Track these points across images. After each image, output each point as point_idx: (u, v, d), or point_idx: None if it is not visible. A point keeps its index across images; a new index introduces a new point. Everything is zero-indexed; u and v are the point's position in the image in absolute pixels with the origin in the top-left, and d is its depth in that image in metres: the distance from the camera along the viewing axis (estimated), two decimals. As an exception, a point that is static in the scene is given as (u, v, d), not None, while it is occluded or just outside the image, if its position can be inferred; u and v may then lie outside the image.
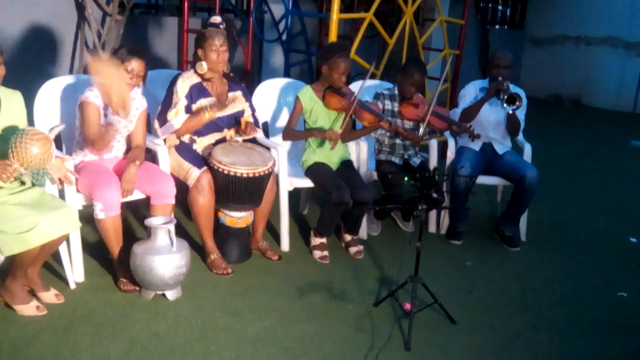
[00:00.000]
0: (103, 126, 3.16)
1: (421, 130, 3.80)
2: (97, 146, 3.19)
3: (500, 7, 11.58)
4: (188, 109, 3.49)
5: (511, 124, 4.14)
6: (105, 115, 3.20)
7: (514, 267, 3.89)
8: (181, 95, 3.48)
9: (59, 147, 3.27)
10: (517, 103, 3.92)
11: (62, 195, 3.06)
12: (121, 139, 3.37)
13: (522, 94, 3.99)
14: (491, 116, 4.18)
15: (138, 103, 3.36)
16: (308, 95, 3.74)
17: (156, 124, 3.56)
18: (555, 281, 3.72)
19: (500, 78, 4.02)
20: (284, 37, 6.48)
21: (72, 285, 3.14)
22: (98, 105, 3.15)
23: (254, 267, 3.55)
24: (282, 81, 4.37)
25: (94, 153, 3.29)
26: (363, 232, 4.06)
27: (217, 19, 3.51)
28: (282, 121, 4.15)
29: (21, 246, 2.62)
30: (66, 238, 2.95)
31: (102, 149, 3.24)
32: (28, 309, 2.85)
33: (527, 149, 4.32)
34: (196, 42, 3.51)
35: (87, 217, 3.28)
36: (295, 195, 4.01)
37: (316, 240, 3.78)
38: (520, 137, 4.39)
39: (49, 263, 3.27)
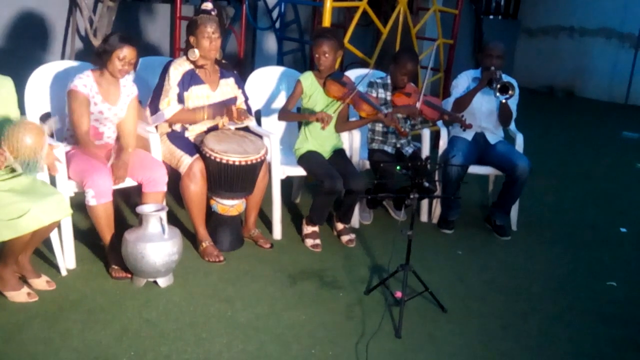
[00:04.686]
0: (90, 136, 3.16)
1: (407, 123, 3.80)
2: (80, 143, 3.17)
3: (494, -3, 11.57)
4: (180, 98, 3.48)
5: (503, 114, 4.15)
6: (96, 104, 3.18)
7: (505, 256, 3.91)
8: (173, 84, 3.46)
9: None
10: (509, 92, 3.93)
11: (53, 182, 3.05)
12: (112, 126, 3.35)
13: (515, 83, 4.00)
14: (483, 106, 4.19)
15: (129, 90, 3.34)
16: (310, 80, 3.74)
17: (147, 112, 3.55)
18: (546, 270, 3.75)
19: (492, 68, 4.02)
20: (277, 25, 6.45)
21: (64, 272, 3.14)
22: (86, 94, 3.12)
23: (246, 255, 3.56)
24: (275, 69, 4.36)
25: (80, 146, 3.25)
26: (355, 221, 4.07)
27: (208, 5, 3.49)
28: (275, 110, 4.13)
29: (12, 232, 2.61)
30: (57, 225, 2.95)
31: (84, 149, 3.21)
32: (19, 295, 2.85)
33: (519, 139, 4.33)
34: (188, 29, 3.50)
35: (79, 204, 3.27)
36: (287, 183, 4.01)
37: (308, 229, 3.79)
38: (512, 127, 4.40)
39: (40, 250, 3.26)
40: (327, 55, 3.63)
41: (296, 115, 3.82)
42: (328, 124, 3.60)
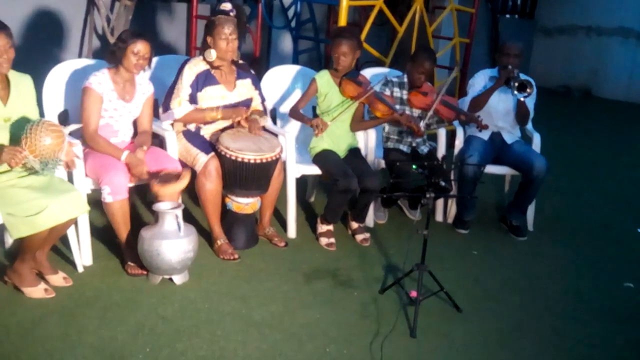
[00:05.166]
0: (102, 139, 3.17)
1: (422, 123, 3.79)
2: (87, 140, 3.17)
3: (511, -4, 11.49)
4: (192, 98, 3.49)
5: (521, 113, 4.12)
6: (110, 101, 3.20)
7: (520, 256, 3.88)
8: (185, 84, 3.47)
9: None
10: (527, 90, 3.91)
11: (70, 179, 3.08)
12: (127, 123, 3.37)
13: (532, 82, 3.97)
14: (500, 105, 4.16)
15: (144, 88, 3.36)
16: (325, 79, 3.74)
17: (161, 109, 3.57)
18: (562, 271, 3.71)
19: (509, 66, 4.00)
20: (292, 24, 6.45)
21: (80, 269, 3.16)
22: (100, 93, 3.14)
23: (260, 253, 3.57)
24: (290, 68, 4.36)
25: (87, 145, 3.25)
26: (370, 220, 4.07)
27: (227, 5, 3.47)
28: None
29: (30, 229, 2.64)
30: (74, 221, 2.98)
31: (92, 145, 3.21)
32: (36, 291, 2.88)
33: (537, 139, 4.30)
34: (206, 30, 3.50)
35: (95, 201, 3.29)
36: (302, 182, 4.01)
37: (323, 228, 3.79)
38: (530, 126, 4.37)
39: (57, 246, 3.29)
40: (346, 55, 3.63)
41: (300, 117, 3.80)
42: (322, 132, 3.60)
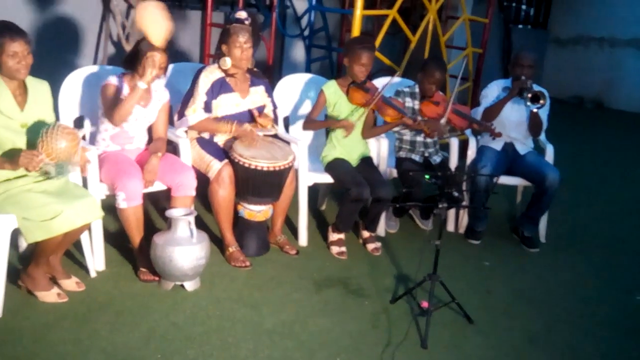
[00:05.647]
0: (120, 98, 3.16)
1: (442, 120, 3.79)
2: (115, 116, 3.12)
3: (523, 7, 11.47)
4: (207, 106, 3.51)
5: (534, 124, 4.11)
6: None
7: (533, 268, 3.86)
8: (201, 91, 3.49)
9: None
10: (541, 101, 3.91)
11: (85, 184, 3.10)
12: (142, 129, 3.40)
13: (546, 93, 3.96)
14: (513, 115, 4.15)
15: (160, 95, 3.39)
16: (333, 89, 3.75)
17: (175, 116, 3.60)
18: (574, 283, 3.69)
19: (523, 77, 3.99)
20: (306, 32, 6.48)
21: (93, 274, 3.18)
22: (118, 86, 3.19)
23: (271, 261, 3.57)
24: (303, 76, 4.38)
25: (115, 127, 3.25)
26: (381, 229, 4.06)
27: (242, 14, 3.49)
28: (303, 116, 4.15)
29: (44, 234, 2.66)
30: (88, 227, 3.00)
31: (120, 120, 3.17)
32: (49, 295, 2.90)
33: (550, 150, 4.28)
34: (220, 38, 3.52)
35: (109, 207, 3.31)
36: (313, 190, 4.02)
37: (334, 236, 3.79)
38: (543, 137, 4.35)
39: (71, 251, 3.31)
40: (367, 67, 3.63)
41: (321, 123, 3.83)
42: (350, 132, 3.60)
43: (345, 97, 3.73)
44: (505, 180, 4.13)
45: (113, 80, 3.21)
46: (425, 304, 3.02)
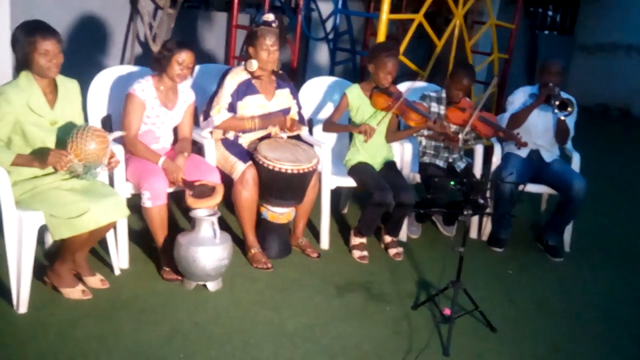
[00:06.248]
0: (142, 145, 3.22)
1: (461, 135, 3.77)
2: (127, 145, 3.21)
3: (550, 12, 11.36)
4: (232, 107, 3.52)
5: (560, 131, 4.06)
6: (153, 108, 3.25)
7: (557, 277, 3.81)
8: (226, 92, 3.51)
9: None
10: (569, 109, 3.87)
11: (111, 183, 3.13)
12: (168, 130, 3.42)
13: (574, 101, 3.92)
14: (539, 122, 4.11)
15: (186, 96, 3.41)
16: (356, 92, 3.74)
17: (201, 117, 3.62)
18: (599, 294, 3.64)
19: (551, 84, 3.95)
20: (330, 35, 6.48)
21: (117, 272, 3.21)
22: (143, 100, 3.20)
23: (293, 264, 3.57)
24: (328, 79, 4.38)
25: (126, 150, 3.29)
26: (403, 235, 4.04)
27: (270, 17, 3.50)
28: (327, 119, 4.15)
29: (71, 231, 2.69)
30: (114, 225, 3.02)
31: (132, 149, 3.25)
32: (74, 292, 2.93)
33: (576, 158, 4.23)
34: (247, 40, 3.54)
35: (134, 206, 3.34)
36: (335, 194, 4.02)
37: (356, 240, 3.78)
38: (569, 145, 4.30)
39: (96, 249, 3.35)
40: (392, 74, 3.62)
41: (340, 127, 3.82)
42: (371, 137, 3.58)
43: (368, 101, 3.72)
44: (530, 187, 4.07)
45: (138, 90, 3.20)
46: (447, 311, 3.00)
